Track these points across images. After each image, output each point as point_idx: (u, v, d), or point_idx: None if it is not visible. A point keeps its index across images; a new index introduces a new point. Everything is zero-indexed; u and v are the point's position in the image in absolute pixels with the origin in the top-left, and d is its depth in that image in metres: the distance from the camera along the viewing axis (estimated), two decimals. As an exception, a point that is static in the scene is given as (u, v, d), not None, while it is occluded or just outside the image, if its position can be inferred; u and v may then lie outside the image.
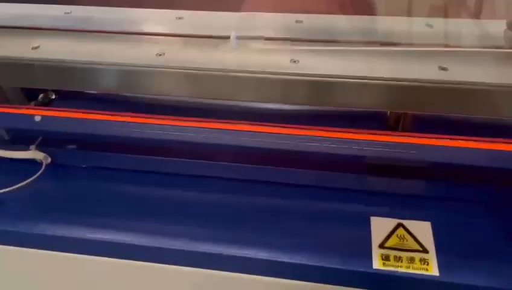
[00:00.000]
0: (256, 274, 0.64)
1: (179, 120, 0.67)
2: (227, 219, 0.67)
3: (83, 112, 0.70)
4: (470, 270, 0.61)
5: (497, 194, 0.70)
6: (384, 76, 0.50)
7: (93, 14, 0.65)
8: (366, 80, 0.50)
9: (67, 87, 0.59)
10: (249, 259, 0.62)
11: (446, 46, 0.55)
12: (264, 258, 0.62)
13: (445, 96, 0.51)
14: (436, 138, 0.65)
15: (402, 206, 0.70)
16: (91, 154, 0.76)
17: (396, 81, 0.50)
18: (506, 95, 0.49)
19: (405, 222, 0.68)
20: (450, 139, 0.65)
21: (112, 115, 0.69)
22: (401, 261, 0.63)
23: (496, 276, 0.60)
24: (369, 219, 0.68)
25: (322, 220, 0.69)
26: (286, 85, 0.54)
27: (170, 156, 0.73)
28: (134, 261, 0.66)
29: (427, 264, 0.62)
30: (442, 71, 0.52)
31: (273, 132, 0.63)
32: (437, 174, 0.71)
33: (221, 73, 0.54)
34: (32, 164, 0.76)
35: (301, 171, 0.70)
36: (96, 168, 0.77)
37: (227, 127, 0.64)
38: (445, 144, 0.62)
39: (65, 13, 0.66)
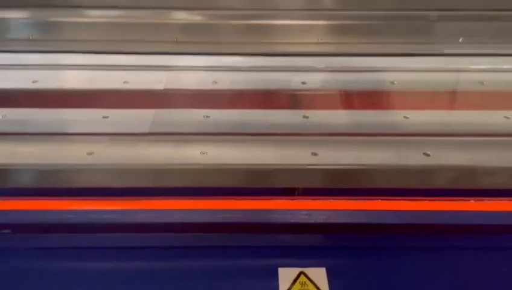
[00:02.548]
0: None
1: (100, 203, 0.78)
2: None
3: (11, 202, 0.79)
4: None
5: (384, 241, 0.88)
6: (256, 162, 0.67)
7: (29, 117, 0.75)
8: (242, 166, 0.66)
9: (7, 186, 0.68)
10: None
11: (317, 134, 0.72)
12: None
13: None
14: (323, 200, 0.82)
15: (304, 256, 0.85)
16: (24, 237, 0.83)
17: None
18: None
19: (306, 270, 0.83)
20: (334, 199, 0.82)
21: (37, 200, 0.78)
22: (303, 305, 0.78)
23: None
24: (277, 270, 0.82)
25: (239, 276, 0.82)
26: (198, 173, 0.68)
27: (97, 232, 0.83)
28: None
29: (323, 304, 0.77)
30: (314, 156, 0.68)
31: (186, 207, 0.77)
32: (330, 228, 0.88)
33: (141, 167, 0.66)
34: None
35: (216, 235, 0.83)
36: (30, 248, 0.84)
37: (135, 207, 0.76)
38: (330, 208, 0.80)
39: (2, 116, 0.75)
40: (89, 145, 0.70)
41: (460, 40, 0.97)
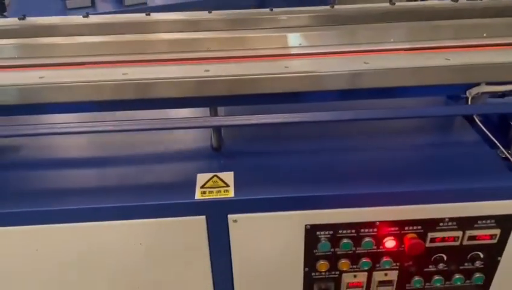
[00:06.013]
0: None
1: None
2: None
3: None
4: (250, 193, 1.02)
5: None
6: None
7: None
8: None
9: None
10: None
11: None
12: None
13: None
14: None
15: (220, 165, 1.10)
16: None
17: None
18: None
19: (219, 174, 1.07)
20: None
21: None
22: (212, 193, 1.02)
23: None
24: (196, 175, 1.07)
25: (165, 178, 1.06)
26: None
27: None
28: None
29: (228, 192, 1.02)
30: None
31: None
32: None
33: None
34: None
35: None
36: None
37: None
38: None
39: None
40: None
41: None
